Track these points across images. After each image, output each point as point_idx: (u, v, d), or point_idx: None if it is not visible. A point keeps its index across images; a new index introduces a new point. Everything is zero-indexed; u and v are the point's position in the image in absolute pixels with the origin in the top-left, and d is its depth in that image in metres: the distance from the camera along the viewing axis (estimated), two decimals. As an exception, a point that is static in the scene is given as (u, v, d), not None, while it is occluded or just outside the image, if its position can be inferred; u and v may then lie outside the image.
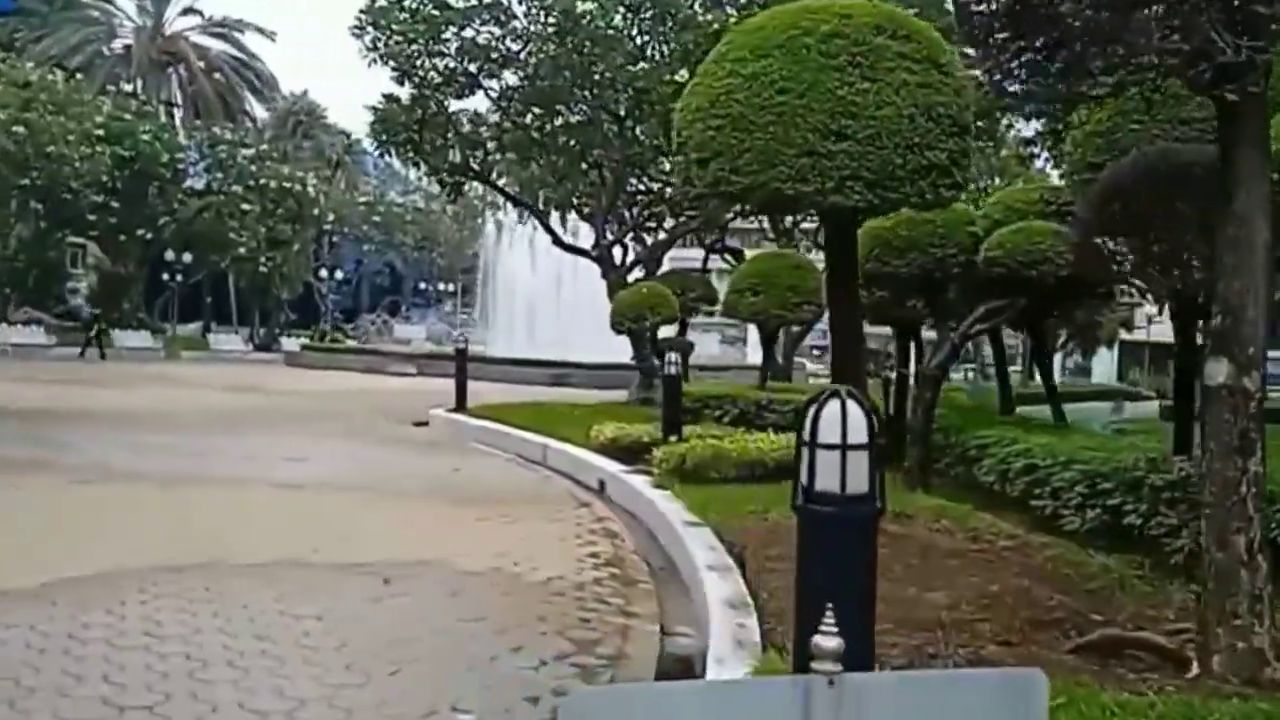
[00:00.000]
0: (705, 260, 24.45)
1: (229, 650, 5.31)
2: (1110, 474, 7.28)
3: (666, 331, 19.30)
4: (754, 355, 37.87)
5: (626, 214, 22.12)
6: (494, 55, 20.09)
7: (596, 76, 19.66)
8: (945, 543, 7.69)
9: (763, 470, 10.12)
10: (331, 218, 52.09)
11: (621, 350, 30.76)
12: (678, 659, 5.54)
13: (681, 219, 21.41)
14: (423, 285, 65.65)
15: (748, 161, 7.36)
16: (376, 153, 24.24)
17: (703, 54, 9.15)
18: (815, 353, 37.83)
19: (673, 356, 11.48)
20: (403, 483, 11.30)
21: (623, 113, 19.60)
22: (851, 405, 2.87)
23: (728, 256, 24.20)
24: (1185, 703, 3.97)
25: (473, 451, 14.75)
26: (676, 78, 16.60)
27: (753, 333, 44.84)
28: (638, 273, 21.65)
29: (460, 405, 18.26)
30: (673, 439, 11.02)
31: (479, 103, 21.22)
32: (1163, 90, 5.29)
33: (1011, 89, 4.80)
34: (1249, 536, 4.30)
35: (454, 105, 20.90)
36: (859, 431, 2.91)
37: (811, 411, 3.01)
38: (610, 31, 19.08)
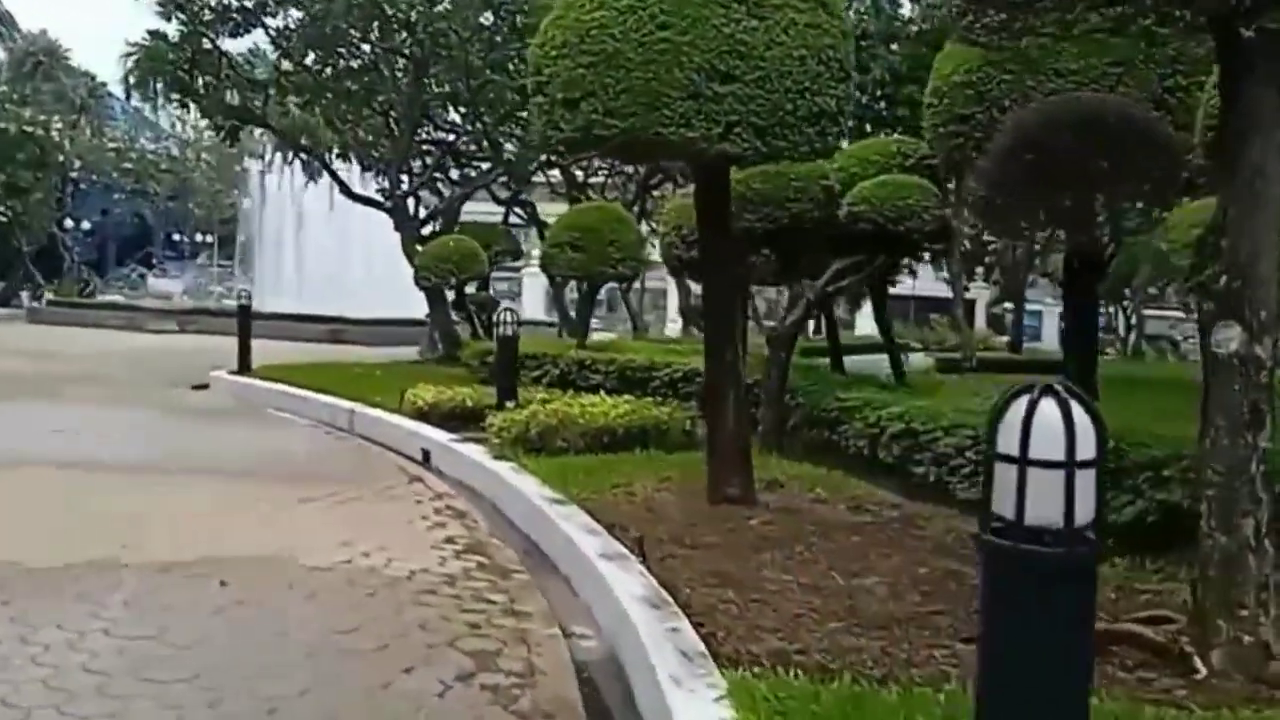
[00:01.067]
0: (506, 215, 23.44)
1: (52, 691, 4.25)
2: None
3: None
4: (531, 309, 37.27)
5: (420, 163, 20.88)
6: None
7: (389, 14, 18.34)
8: (830, 515, 7.30)
9: (611, 438, 9.49)
10: (78, 165, 47.88)
11: (399, 305, 29.68)
12: (595, 672, 4.85)
13: (481, 170, 20.39)
14: (177, 237, 61.50)
15: (625, 103, 6.60)
16: (132, 97, 22.11)
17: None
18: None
19: (506, 315, 10.60)
20: (203, 458, 10.05)
21: (418, 56, 18.31)
22: (1076, 408, 2.18)
23: (520, 211, 23.33)
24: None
25: (270, 419, 13.49)
26: (482, 19, 15.58)
27: (529, 288, 44.17)
28: (434, 226, 20.51)
29: (244, 367, 16.79)
30: (509, 404, 10.19)
31: (258, 41, 19.51)
32: (1160, 27, 4.83)
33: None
34: (1258, 519, 3.96)
35: (229, 44, 19.16)
36: (1087, 443, 2.21)
37: (1015, 413, 2.28)
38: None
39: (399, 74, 19.17)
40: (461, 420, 11.32)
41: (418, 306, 25.75)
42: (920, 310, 47.62)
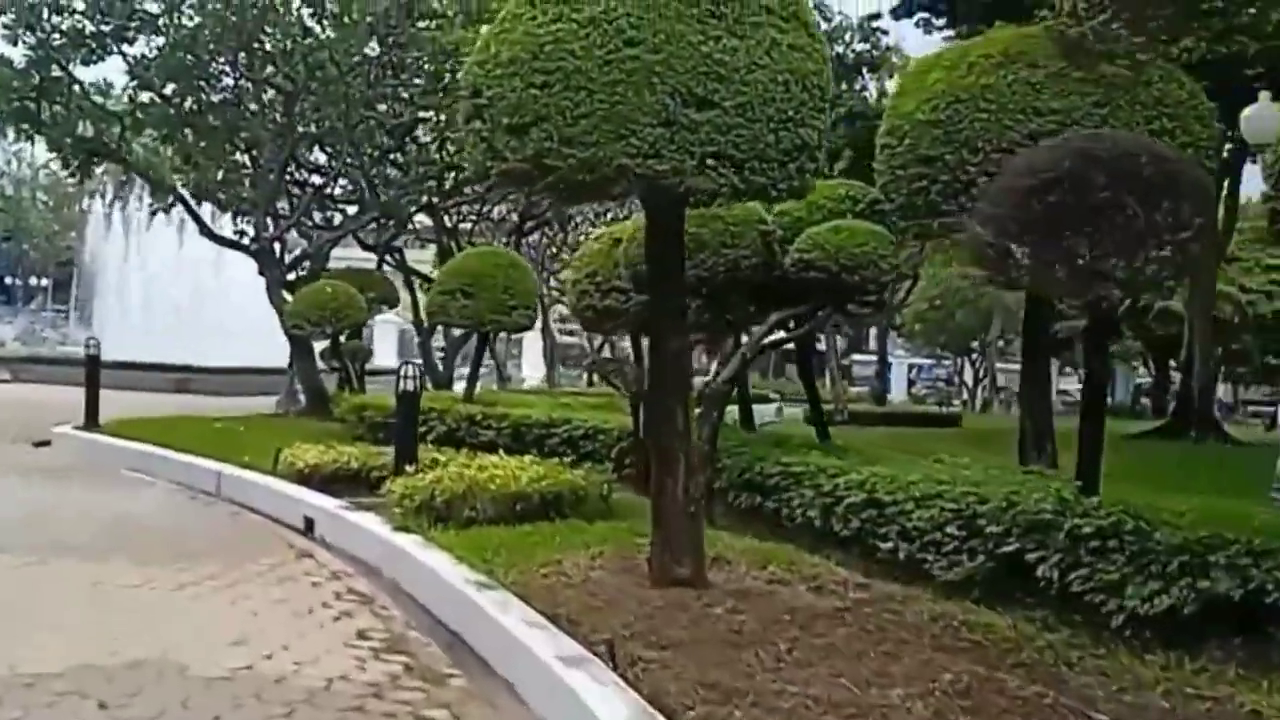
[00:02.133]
0: (380, 261, 22.15)
1: None
2: (997, 514, 6.30)
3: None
4: (382, 358, 35.73)
5: (288, 204, 19.55)
6: (132, 16, 17.00)
7: (256, 47, 17.12)
8: (795, 599, 6.46)
9: (524, 505, 8.50)
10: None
11: (251, 353, 27.94)
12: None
13: (351, 214, 19.19)
14: (9, 280, 57.69)
15: (585, 130, 5.74)
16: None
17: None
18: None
19: (408, 369, 9.51)
20: (54, 531, 8.64)
21: (290, 89, 17.06)
22: None
23: (391, 257, 22.13)
24: None
25: (125, 481, 12.00)
26: (367, 49, 14.53)
27: (381, 335, 42.52)
28: (299, 271, 19.17)
29: (93, 421, 15.15)
30: (409, 468, 9.10)
31: (114, 69, 17.97)
32: None
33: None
34: None
35: (83, 72, 17.59)
36: None
37: None
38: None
39: (268, 108, 17.88)
40: (347, 484, 10.18)
41: (272, 354, 24.21)
42: (778, 361, 47.75)
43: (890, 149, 7.93)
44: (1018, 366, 50.50)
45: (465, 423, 12.37)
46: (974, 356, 49.88)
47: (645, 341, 12.17)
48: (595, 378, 35.31)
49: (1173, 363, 36.88)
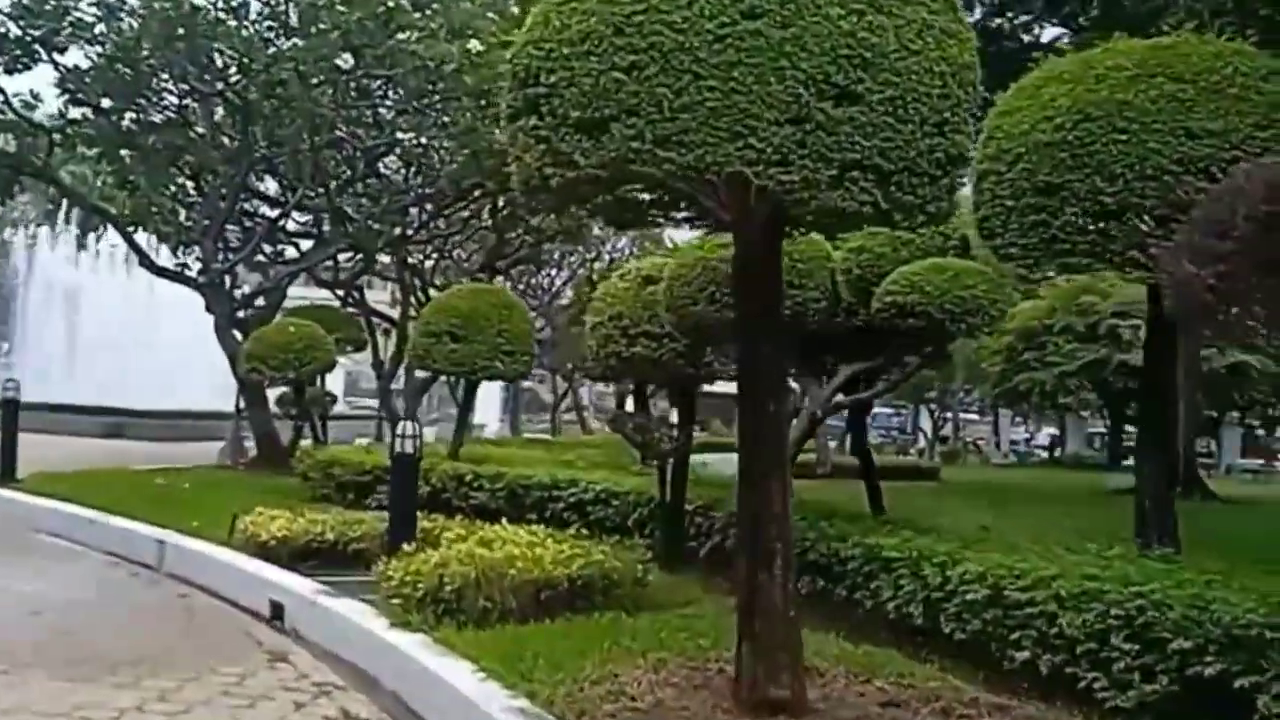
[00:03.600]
0: (345, 299, 20.48)
1: None
2: (1184, 625, 4.98)
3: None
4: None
5: (240, 233, 17.94)
6: (63, 22, 15.39)
7: (207, 61, 15.57)
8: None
9: (552, 594, 7.03)
10: None
11: (190, 396, 26.04)
12: None
13: (311, 246, 17.61)
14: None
15: (689, 126, 4.38)
16: None
17: None
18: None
19: (408, 426, 7.98)
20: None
21: (247, 106, 15.48)
22: None
23: (354, 295, 20.52)
24: None
25: (46, 551, 10.30)
26: (339, 61, 13.02)
27: (329, 379, 40.71)
28: (250, 310, 17.52)
29: (9, 475, 13.35)
30: (407, 546, 7.57)
31: (43, 80, 16.30)
32: None
33: None
34: None
35: (7, 81, 15.93)
36: None
37: None
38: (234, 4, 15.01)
39: (220, 127, 16.31)
40: (322, 559, 8.65)
41: (213, 398, 22.38)
42: (723, 408, 46.63)
43: (995, 175, 6.63)
44: (976, 417, 49.78)
45: (453, 483, 10.89)
46: (931, 406, 49.07)
47: (664, 396, 10.88)
48: (559, 427, 33.93)
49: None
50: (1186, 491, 21.54)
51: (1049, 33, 20.12)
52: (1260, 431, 47.10)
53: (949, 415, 52.00)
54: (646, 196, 5.41)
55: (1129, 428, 41.81)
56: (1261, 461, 44.53)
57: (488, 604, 6.83)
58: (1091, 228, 6.29)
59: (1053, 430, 55.02)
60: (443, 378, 16.38)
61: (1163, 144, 6.10)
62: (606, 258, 31.20)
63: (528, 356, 12.20)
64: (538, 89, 4.73)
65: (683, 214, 5.66)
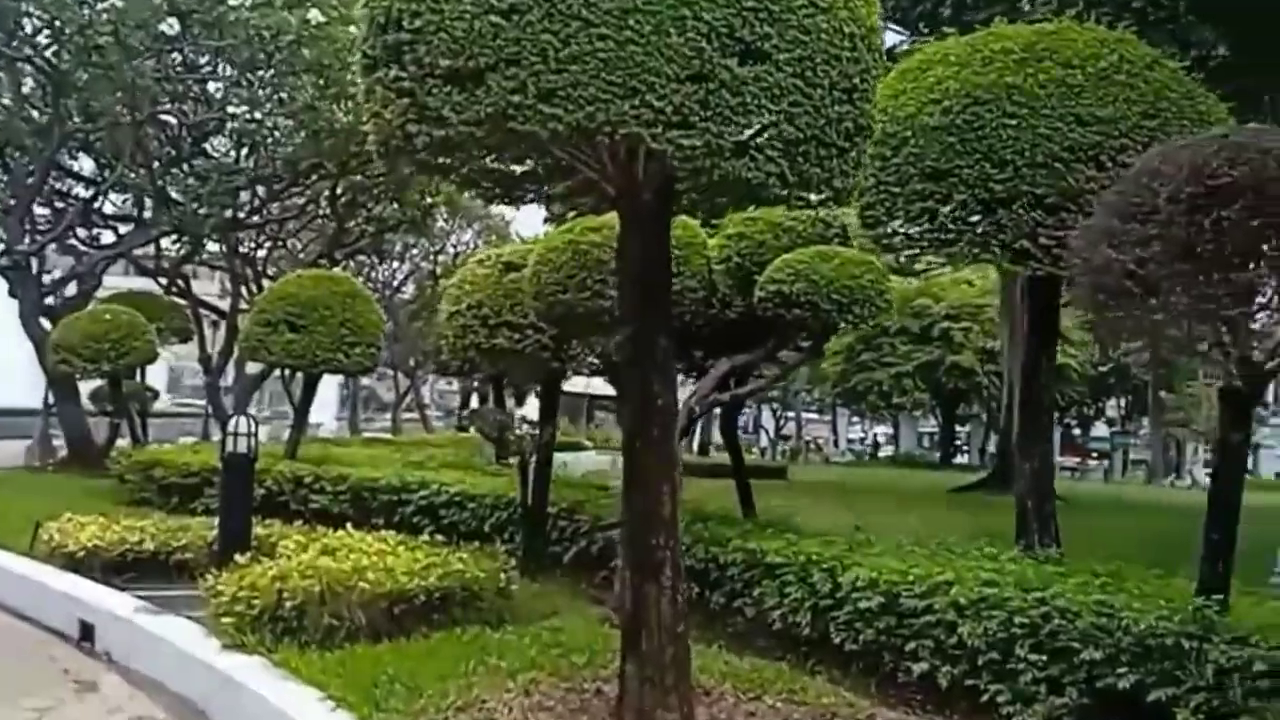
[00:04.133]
0: (169, 286, 19.05)
1: None
2: (1094, 634, 4.70)
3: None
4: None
5: (48, 216, 16.52)
6: None
7: (15, 27, 14.21)
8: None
9: (408, 608, 6.40)
10: None
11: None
12: None
13: (140, 227, 16.30)
14: None
15: (578, 79, 3.85)
16: None
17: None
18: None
19: (241, 422, 7.16)
20: None
21: (56, 74, 14.17)
22: None
23: (179, 283, 19.21)
24: None
25: None
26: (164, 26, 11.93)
27: (150, 371, 38.52)
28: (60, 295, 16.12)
29: None
30: (240, 557, 6.80)
31: None
32: None
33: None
34: None
35: None
36: None
37: None
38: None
39: (28, 99, 14.93)
40: (141, 570, 7.77)
41: (17, 393, 20.58)
42: (590, 408, 46.35)
43: (880, 160, 6.31)
44: (816, 416, 50.40)
45: (292, 485, 10.09)
46: (774, 405, 49.58)
47: (520, 392, 10.34)
48: (400, 426, 32.73)
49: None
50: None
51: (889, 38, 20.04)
52: (1076, 431, 49.17)
53: (791, 414, 52.68)
54: (518, 170, 4.87)
55: (959, 428, 43.27)
56: (1078, 460, 46.38)
57: (334, 621, 6.15)
58: (976, 218, 6.04)
59: (886, 429, 56.33)
60: (276, 372, 15.45)
61: (1053, 130, 5.88)
62: (451, 250, 30.33)
63: (374, 349, 11.40)
64: (400, 34, 4.13)
65: (561, 186, 5.14)
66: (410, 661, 5.61)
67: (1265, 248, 3.92)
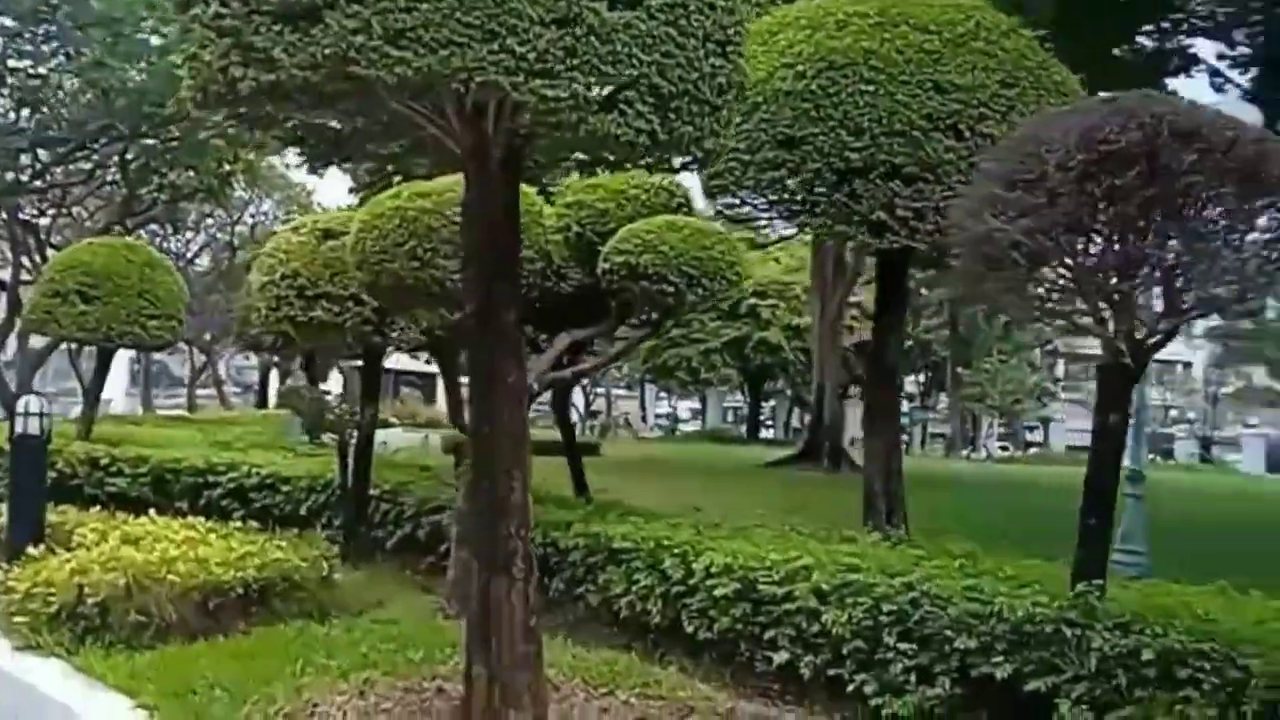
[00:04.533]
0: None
1: None
2: (968, 622, 4.60)
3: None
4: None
5: None
6: None
7: None
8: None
9: (223, 601, 5.86)
10: None
11: None
12: None
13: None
14: None
15: (425, 18, 3.45)
16: None
17: None
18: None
19: (30, 402, 6.36)
20: None
21: None
22: None
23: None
24: None
25: None
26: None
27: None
28: None
29: None
30: (33, 551, 6.11)
31: None
32: None
33: None
34: None
35: None
36: None
37: None
38: None
39: None
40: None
41: None
42: (394, 384, 45.35)
43: (731, 126, 6.06)
44: (624, 391, 50.45)
45: (86, 467, 9.33)
46: (583, 380, 49.53)
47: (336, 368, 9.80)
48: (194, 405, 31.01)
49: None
50: (833, 463, 22.52)
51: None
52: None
53: (600, 390, 52.75)
54: (348, 128, 4.40)
55: (765, 403, 44.18)
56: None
57: (142, 618, 5.61)
58: (827, 189, 5.88)
59: (691, 405, 57.08)
60: (63, 346, 14.27)
61: (910, 97, 5.77)
62: (249, 221, 28.93)
63: (175, 322, 10.56)
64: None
65: (396, 145, 4.69)
66: (230, 662, 5.12)
67: (1157, 218, 3.83)
